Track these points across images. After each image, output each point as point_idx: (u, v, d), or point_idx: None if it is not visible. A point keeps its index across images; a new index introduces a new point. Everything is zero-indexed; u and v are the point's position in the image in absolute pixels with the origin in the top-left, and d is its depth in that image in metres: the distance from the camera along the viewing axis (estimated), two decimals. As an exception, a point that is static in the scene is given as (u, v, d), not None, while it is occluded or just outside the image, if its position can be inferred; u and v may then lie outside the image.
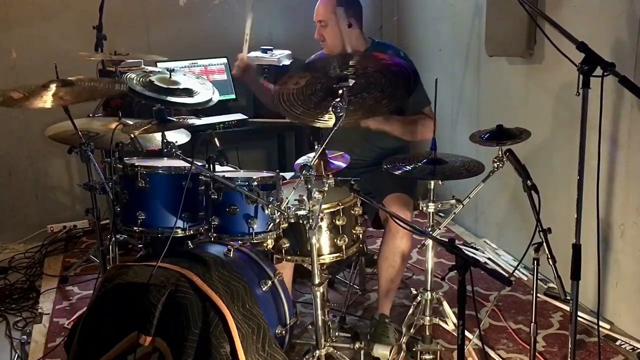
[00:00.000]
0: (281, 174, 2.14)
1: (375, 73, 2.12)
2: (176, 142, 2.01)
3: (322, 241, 2.15)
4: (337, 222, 2.14)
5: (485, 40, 3.28)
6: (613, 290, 2.70)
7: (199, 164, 2.04)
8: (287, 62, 3.86)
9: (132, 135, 2.56)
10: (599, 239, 2.18)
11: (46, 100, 2.23)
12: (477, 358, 2.46)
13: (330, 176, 2.14)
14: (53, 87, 2.28)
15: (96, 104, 3.20)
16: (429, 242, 2.21)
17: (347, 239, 2.17)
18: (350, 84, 2.02)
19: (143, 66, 3.32)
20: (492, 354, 2.51)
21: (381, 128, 2.56)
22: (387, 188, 2.58)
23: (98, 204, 2.59)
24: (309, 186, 1.99)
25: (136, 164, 2.13)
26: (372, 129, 2.55)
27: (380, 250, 2.57)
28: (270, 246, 2.18)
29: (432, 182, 2.15)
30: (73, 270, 3.37)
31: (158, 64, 3.47)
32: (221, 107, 3.58)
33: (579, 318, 2.29)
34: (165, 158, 2.26)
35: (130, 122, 2.45)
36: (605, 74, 1.82)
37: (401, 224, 2.02)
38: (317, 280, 2.07)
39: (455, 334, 2.07)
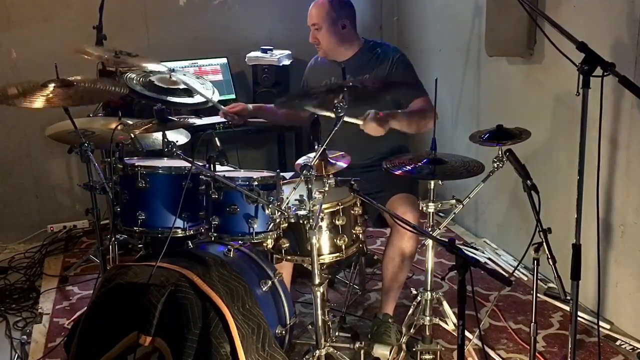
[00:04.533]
0: (281, 174, 2.14)
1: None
2: (176, 141, 2.01)
3: (322, 241, 2.15)
4: (337, 222, 2.14)
5: (485, 40, 3.28)
6: (613, 290, 2.70)
7: (200, 163, 2.04)
8: (287, 62, 3.86)
9: (132, 135, 2.56)
10: (599, 239, 2.18)
11: (41, 100, 2.20)
12: (477, 358, 2.46)
13: (331, 176, 2.14)
14: (51, 87, 2.26)
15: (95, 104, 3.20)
16: (429, 242, 2.21)
17: (347, 239, 2.17)
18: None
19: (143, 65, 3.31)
20: (492, 354, 2.51)
21: (385, 129, 2.53)
22: (392, 188, 2.58)
23: (98, 204, 2.58)
24: (309, 186, 1.99)
25: (136, 164, 2.13)
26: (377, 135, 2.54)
27: (385, 251, 2.57)
28: (270, 246, 2.18)
29: (432, 182, 2.15)
30: (73, 270, 3.36)
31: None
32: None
33: (579, 318, 2.29)
34: (165, 158, 2.26)
35: (130, 122, 2.45)
36: (605, 74, 1.82)
37: (401, 223, 2.02)
38: (317, 280, 2.07)
39: (455, 334, 2.07)
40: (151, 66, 2.99)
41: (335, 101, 2.02)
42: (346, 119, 2.37)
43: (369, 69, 2.70)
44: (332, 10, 2.68)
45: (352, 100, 2.09)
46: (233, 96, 3.84)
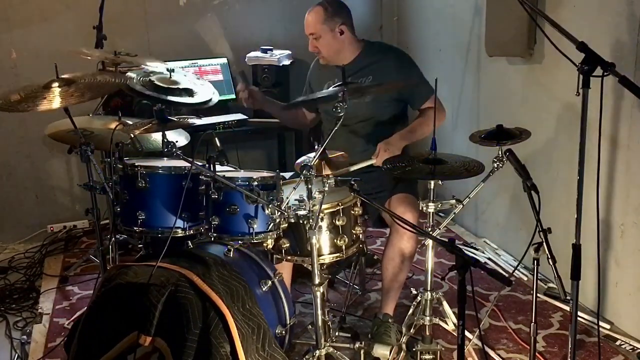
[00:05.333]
0: (281, 174, 2.14)
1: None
2: (176, 142, 2.01)
3: (322, 241, 2.15)
4: (337, 222, 2.14)
5: (485, 40, 3.28)
6: (613, 290, 2.70)
7: (199, 163, 2.04)
8: (287, 62, 3.86)
9: (132, 135, 2.56)
10: (599, 239, 2.18)
11: (52, 100, 2.19)
12: (477, 358, 2.46)
13: (331, 176, 2.14)
14: (55, 86, 2.25)
15: (96, 103, 3.20)
16: (429, 242, 2.21)
17: (347, 239, 2.17)
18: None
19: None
20: (492, 354, 2.51)
21: (398, 150, 2.56)
22: (392, 188, 2.58)
23: (98, 204, 2.58)
24: (309, 186, 1.99)
25: (136, 164, 2.13)
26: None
27: (385, 251, 2.57)
28: (270, 246, 2.18)
29: (432, 182, 2.15)
30: (73, 270, 3.36)
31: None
32: (221, 107, 3.59)
33: (579, 318, 2.29)
34: (165, 158, 2.26)
35: (130, 122, 2.45)
36: (605, 74, 1.82)
37: (401, 223, 2.02)
38: (317, 280, 2.08)
39: (455, 334, 2.07)
40: (151, 65, 2.99)
41: (335, 102, 2.02)
42: (355, 167, 2.39)
43: (369, 72, 2.69)
44: (328, 17, 2.65)
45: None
46: (233, 96, 3.83)
